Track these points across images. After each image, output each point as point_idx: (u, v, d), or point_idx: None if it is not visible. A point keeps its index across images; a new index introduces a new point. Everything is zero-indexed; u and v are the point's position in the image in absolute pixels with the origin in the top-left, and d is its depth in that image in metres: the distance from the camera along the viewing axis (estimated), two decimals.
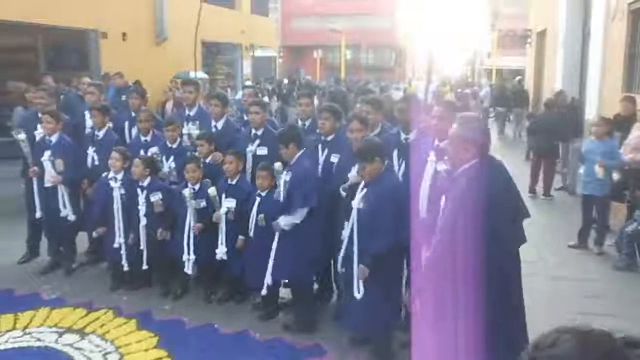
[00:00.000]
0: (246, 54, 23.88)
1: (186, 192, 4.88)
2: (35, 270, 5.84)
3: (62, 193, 5.63)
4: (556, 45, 14.02)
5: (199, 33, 12.63)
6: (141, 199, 5.17)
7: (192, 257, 5.01)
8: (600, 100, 9.91)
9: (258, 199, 4.75)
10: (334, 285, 5.12)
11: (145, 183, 5.20)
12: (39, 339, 4.45)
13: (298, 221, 4.46)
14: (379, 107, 4.94)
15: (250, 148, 5.23)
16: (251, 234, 4.79)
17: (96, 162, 5.77)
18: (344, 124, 4.92)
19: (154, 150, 5.59)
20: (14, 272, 5.81)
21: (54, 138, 5.62)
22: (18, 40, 13.40)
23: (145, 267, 5.28)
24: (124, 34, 15.29)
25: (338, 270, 4.40)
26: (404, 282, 4.10)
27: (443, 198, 3.06)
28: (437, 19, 26.99)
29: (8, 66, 12.87)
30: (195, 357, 4.25)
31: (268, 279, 4.58)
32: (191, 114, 5.88)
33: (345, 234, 4.14)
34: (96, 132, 5.88)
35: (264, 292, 4.65)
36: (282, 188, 4.52)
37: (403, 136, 4.50)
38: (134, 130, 6.12)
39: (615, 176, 6.50)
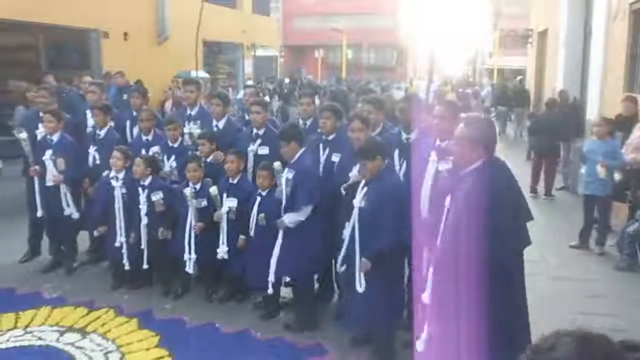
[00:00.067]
0: (247, 54, 23.89)
1: (187, 191, 4.89)
2: (36, 269, 5.84)
3: (65, 192, 5.64)
4: (557, 45, 14.00)
5: (200, 32, 12.61)
6: (142, 198, 5.17)
7: (193, 256, 5.02)
8: (601, 100, 9.91)
9: (259, 198, 4.76)
10: (335, 285, 5.12)
11: (147, 182, 5.20)
12: (40, 338, 4.46)
13: (303, 218, 4.47)
14: (380, 107, 4.94)
15: (252, 147, 5.23)
16: (252, 233, 4.79)
17: (97, 161, 5.77)
18: (344, 124, 4.92)
19: (155, 149, 5.59)
20: (15, 271, 5.82)
21: (55, 137, 5.63)
22: (19, 39, 13.42)
23: (145, 266, 5.28)
24: (125, 34, 15.31)
25: (338, 270, 4.40)
26: (405, 281, 4.10)
27: (448, 198, 3.03)
28: (438, 19, 26.99)
29: (9, 65, 12.89)
30: (196, 356, 4.25)
31: (272, 278, 4.58)
32: (192, 113, 5.88)
33: (346, 233, 4.15)
34: (97, 131, 5.88)
35: (270, 291, 4.65)
36: (283, 186, 4.52)
37: (404, 136, 4.50)
38: (135, 130, 6.12)
39: (617, 176, 6.50)
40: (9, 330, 4.57)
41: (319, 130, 4.93)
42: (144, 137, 5.79)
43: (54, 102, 6.27)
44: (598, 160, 6.31)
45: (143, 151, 5.56)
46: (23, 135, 5.74)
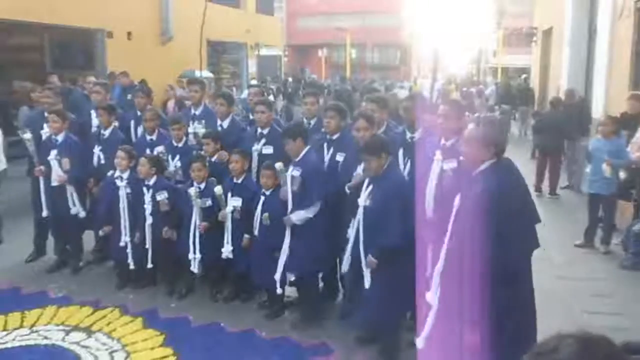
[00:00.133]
0: (251, 53, 23.92)
1: (192, 191, 4.89)
2: (42, 269, 5.87)
3: (71, 192, 5.66)
4: (562, 43, 13.96)
5: (204, 32, 12.66)
6: (147, 198, 5.18)
7: (198, 255, 5.02)
8: (606, 98, 9.87)
9: (262, 198, 4.76)
10: (340, 284, 5.12)
11: (151, 182, 5.21)
12: (46, 337, 4.48)
13: (312, 215, 4.48)
14: (384, 106, 4.94)
15: (256, 147, 5.23)
16: (256, 232, 4.80)
17: (102, 161, 5.79)
18: (349, 123, 4.92)
19: (160, 149, 5.61)
20: (21, 271, 5.84)
21: (60, 137, 5.65)
22: (24, 39, 13.49)
23: (150, 266, 5.29)
24: (129, 33, 15.35)
25: (343, 270, 4.39)
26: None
27: (457, 199, 2.99)
28: (442, 17, 26.93)
29: (14, 65, 12.97)
30: (201, 355, 4.26)
31: (279, 277, 4.60)
32: (197, 113, 5.89)
33: (351, 232, 4.15)
34: (102, 131, 5.90)
35: (278, 290, 4.66)
36: (289, 185, 4.52)
37: (408, 135, 4.49)
38: (140, 129, 6.13)
39: (622, 175, 6.47)
40: (15, 329, 4.60)
41: (323, 129, 4.93)
42: (148, 137, 5.80)
43: (59, 102, 6.29)
44: (603, 158, 6.29)
45: (147, 151, 5.57)
46: (27, 135, 5.76)
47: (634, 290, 5.51)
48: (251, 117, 5.94)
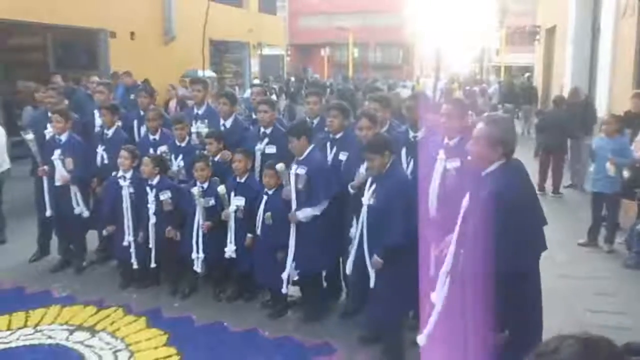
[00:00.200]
0: (254, 53, 23.93)
1: (195, 190, 4.90)
2: (45, 269, 5.88)
3: (75, 191, 5.68)
4: (565, 41, 13.92)
5: (206, 31, 12.67)
6: (150, 197, 5.19)
7: (201, 255, 5.03)
8: (610, 97, 9.85)
9: (265, 197, 4.77)
10: (343, 284, 5.13)
11: (155, 182, 5.22)
12: (50, 337, 4.49)
13: (319, 213, 4.49)
14: (387, 105, 4.94)
15: (259, 146, 5.24)
16: (258, 232, 4.80)
17: (105, 161, 5.80)
18: (352, 122, 4.92)
19: (163, 149, 5.61)
20: (25, 270, 5.86)
21: (63, 137, 5.66)
22: (28, 39, 13.52)
23: (153, 265, 5.30)
24: (132, 33, 15.38)
25: (347, 270, 4.38)
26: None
27: (465, 199, 2.94)
28: (445, 16, 26.89)
29: (18, 65, 13.00)
30: (204, 354, 4.26)
31: (287, 276, 4.60)
32: (200, 112, 5.90)
33: (354, 231, 4.15)
34: (105, 131, 5.91)
35: (284, 290, 4.67)
36: (292, 184, 4.52)
37: (411, 134, 4.49)
38: (143, 129, 6.14)
39: (626, 174, 6.46)
40: (19, 328, 4.61)
41: (326, 128, 4.93)
42: (151, 137, 5.81)
43: (62, 102, 6.30)
44: (607, 157, 6.28)
45: (151, 150, 5.58)
46: (29, 136, 5.77)
47: (637, 289, 5.50)
48: (254, 116, 5.94)
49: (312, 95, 5.54)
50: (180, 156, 5.54)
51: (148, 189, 5.21)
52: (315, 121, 5.28)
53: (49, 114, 5.85)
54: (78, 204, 5.70)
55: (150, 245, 5.24)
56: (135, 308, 4.97)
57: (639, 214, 6.43)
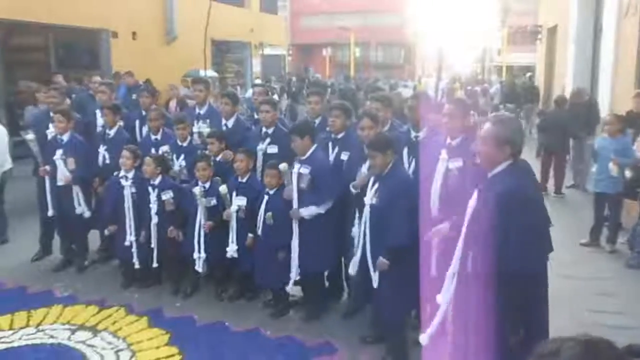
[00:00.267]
0: (255, 52, 23.93)
1: (197, 190, 4.90)
2: (47, 268, 5.89)
3: (76, 191, 5.68)
4: (567, 41, 13.90)
5: (208, 31, 12.67)
6: (152, 197, 5.19)
7: (203, 255, 5.03)
8: (612, 96, 9.84)
9: (266, 197, 4.76)
10: (345, 284, 5.12)
11: (157, 182, 5.22)
12: (52, 336, 4.49)
13: (323, 211, 4.49)
14: (388, 105, 4.94)
15: (261, 146, 5.23)
16: (259, 232, 4.80)
17: (107, 161, 5.81)
18: (354, 122, 4.92)
19: (164, 148, 5.62)
20: (27, 270, 5.87)
21: (65, 137, 5.67)
22: (30, 39, 13.53)
23: (155, 265, 5.31)
24: (134, 33, 15.39)
25: (351, 271, 4.37)
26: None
27: (472, 200, 2.90)
28: (446, 16, 26.87)
29: (20, 65, 13.01)
30: (206, 354, 4.27)
31: (295, 275, 4.62)
32: (201, 112, 5.90)
33: (356, 231, 4.14)
34: (107, 131, 5.91)
35: (289, 289, 4.68)
36: (294, 183, 4.51)
37: (413, 134, 4.49)
38: (145, 129, 6.15)
39: (628, 174, 6.45)
40: (21, 328, 4.61)
41: (328, 128, 4.93)
42: (153, 137, 5.82)
43: (64, 102, 6.31)
44: (609, 157, 6.27)
45: (152, 150, 5.58)
46: (30, 136, 5.78)
47: (639, 290, 5.48)
48: (256, 116, 5.94)
49: (314, 95, 5.54)
50: (182, 156, 5.54)
51: (150, 188, 5.21)
52: (317, 121, 5.28)
53: (51, 114, 5.86)
54: (79, 204, 5.71)
55: (153, 245, 5.25)
56: (137, 308, 4.97)
57: None
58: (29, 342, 4.40)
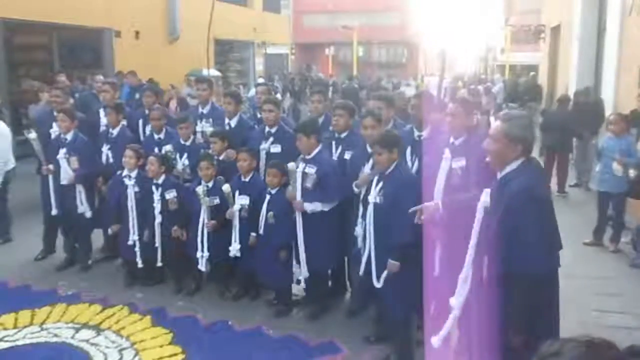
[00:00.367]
0: (258, 52, 23.93)
1: (199, 189, 4.90)
2: (51, 267, 5.90)
3: (79, 190, 5.69)
4: (571, 40, 13.86)
5: (211, 31, 12.66)
6: (156, 196, 5.20)
7: (206, 254, 5.03)
8: (616, 96, 9.80)
9: (268, 196, 4.77)
10: (347, 283, 5.12)
11: (160, 181, 5.23)
12: (55, 335, 4.51)
13: (326, 209, 4.50)
14: (391, 104, 4.94)
15: (264, 146, 5.24)
16: (261, 231, 4.81)
17: (110, 160, 5.82)
18: (357, 121, 4.91)
19: (168, 148, 5.62)
20: (31, 269, 5.88)
21: (69, 136, 5.68)
22: (33, 39, 13.55)
23: (160, 264, 5.31)
24: (137, 33, 15.41)
25: (359, 270, 4.35)
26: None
27: (483, 198, 2.86)
28: (449, 15, 26.84)
29: (23, 64, 13.03)
30: (209, 353, 4.27)
31: (304, 273, 4.63)
32: (204, 111, 5.91)
33: (358, 230, 4.14)
34: (110, 130, 5.92)
35: (295, 291, 4.67)
36: (299, 181, 4.50)
37: (416, 133, 4.48)
38: (148, 128, 6.16)
39: (632, 173, 6.43)
40: (25, 327, 4.63)
41: (331, 128, 4.93)
42: (156, 136, 5.82)
43: (68, 101, 6.32)
44: (614, 157, 6.25)
45: (156, 149, 5.59)
46: (32, 135, 5.79)
47: None
48: (259, 115, 5.94)
49: (316, 93, 5.54)
50: (185, 155, 5.55)
51: (154, 188, 5.21)
52: (320, 120, 5.28)
53: (55, 113, 5.87)
54: (82, 204, 5.71)
55: (157, 245, 5.25)
56: (140, 307, 4.98)
57: None
58: (33, 341, 4.42)
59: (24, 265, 5.96)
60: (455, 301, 3.00)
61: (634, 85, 8.72)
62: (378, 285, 3.92)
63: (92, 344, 4.36)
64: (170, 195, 5.17)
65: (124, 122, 6.00)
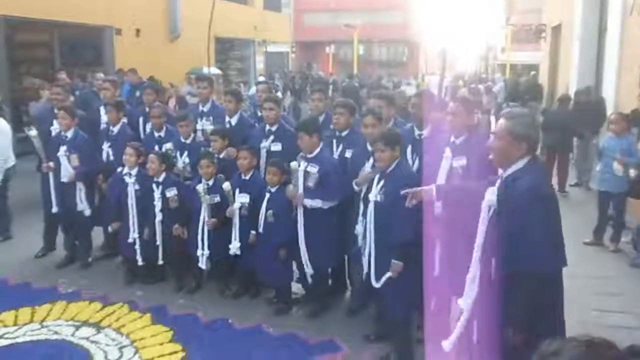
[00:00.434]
0: (259, 50, 23.92)
1: (200, 187, 4.90)
2: (51, 264, 5.90)
3: (80, 188, 5.69)
4: (571, 40, 13.85)
5: (212, 29, 12.67)
6: (157, 194, 5.20)
7: (206, 252, 5.04)
8: (617, 95, 9.79)
9: (267, 195, 4.77)
10: (348, 282, 5.13)
11: (161, 179, 5.23)
12: (56, 332, 4.51)
13: (326, 207, 4.50)
14: (391, 102, 4.94)
15: (264, 144, 5.23)
16: (260, 229, 4.81)
17: (111, 158, 5.82)
18: (357, 118, 4.91)
19: (168, 146, 5.62)
20: (31, 266, 5.89)
21: (69, 133, 5.68)
22: (34, 36, 13.54)
23: (160, 262, 5.32)
24: (138, 30, 15.40)
25: (363, 268, 4.35)
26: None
27: (489, 197, 2.84)
28: (450, 14, 26.83)
29: (24, 62, 13.03)
30: (209, 351, 4.27)
31: (310, 270, 4.63)
32: (205, 109, 5.90)
33: (359, 228, 4.13)
34: (111, 128, 5.92)
35: (295, 289, 4.67)
36: (301, 180, 4.51)
37: (417, 132, 4.48)
38: (148, 126, 6.15)
39: (633, 172, 6.42)
40: (25, 324, 4.63)
41: (331, 126, 4.92)
42: (156, 134, 5.82)
43: (68, 98, 6.32)
44: (614, 156, 6.25)
45: (156, 147, 5.59)
46: (33, 132, 5.79)
47: None
48: (259, 113, 5.94)
49: (317, 92, 5.54)
50: (186, 153, 5.55)
51: (154, 186, 5.21)
52: (321, 118, 5.28)
53: (55, 111, 5.87)
54: (81, 201, 5.71)
55: (157, 242, 5.25)
56: (141, 304, 4.98)
57: None
58: (33, 338, 4.42)
59: (24, 263, 5.96)
60: (464, 303, 2.95)
61: (634, 85, 8.71)
62: (377, 285, 3.92)
63: (92, 342, 4.36)
64: (171, 193, 5.18)
65: (125, 120, 6.00)
